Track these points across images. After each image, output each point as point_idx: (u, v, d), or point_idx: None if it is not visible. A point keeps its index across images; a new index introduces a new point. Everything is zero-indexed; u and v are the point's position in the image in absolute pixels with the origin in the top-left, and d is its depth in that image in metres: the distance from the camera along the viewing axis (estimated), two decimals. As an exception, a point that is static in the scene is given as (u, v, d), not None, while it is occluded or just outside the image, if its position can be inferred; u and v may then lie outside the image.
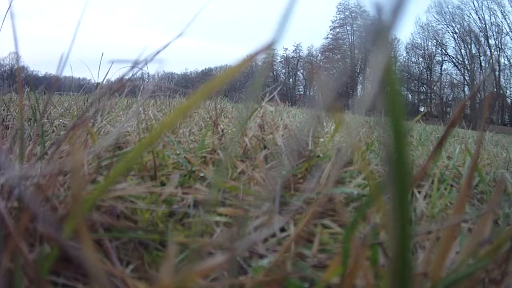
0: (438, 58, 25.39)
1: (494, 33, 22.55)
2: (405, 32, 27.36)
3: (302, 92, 28.49)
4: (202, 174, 0.63)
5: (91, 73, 1.16)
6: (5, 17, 0.52)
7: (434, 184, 0.59)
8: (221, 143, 0.79)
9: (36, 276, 0.28)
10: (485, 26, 22.72)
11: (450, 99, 24.65)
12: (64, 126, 1.03)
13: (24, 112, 1.00)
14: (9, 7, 0.46)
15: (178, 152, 0.70)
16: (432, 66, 25.42)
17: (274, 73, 28.89)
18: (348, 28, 26.57)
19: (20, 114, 0.44)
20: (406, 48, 25.98)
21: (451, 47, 24.56)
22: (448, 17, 24.24)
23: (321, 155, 0.75)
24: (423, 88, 25.98)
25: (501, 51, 22.50)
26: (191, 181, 0.61)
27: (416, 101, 26.13)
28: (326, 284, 0.31)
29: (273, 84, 1.09)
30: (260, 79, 0.22)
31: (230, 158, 0.66)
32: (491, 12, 22.54)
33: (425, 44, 25.69)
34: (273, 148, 0.77)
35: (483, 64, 22.69)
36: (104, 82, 0.89)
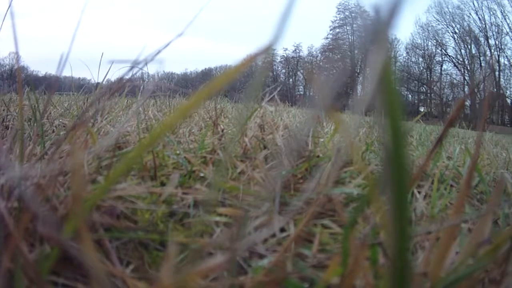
0: (438, 58, 25.40)
1: (494, 33, 22.56)
2: (405, 32, 27.39)
3: (302, 92, 28.48)
4: (202, 174, 0.63)
5: (91, 73, 1.16)
6: (5, 16, 0.52)
7: (434, 184, 0.59)
8: (221, 143, 0.79)
9: (36, 276, 0.28)
10: (485, 26, 22.73)
11: (450, 99, 24.64)
12: (64, 126, 1.03)
13: (24, 112, 1.00)
14: (9, 7, 0.46)
15: (178, 152, 0.70)
16: (432, 66, 25.42)
17: (274, 73, 28.87)
18: (348, 28, 26.58)
19: (20, 114, 0.44)
20: (406, 48, 25.99)
21: (451, 47, 24.57)
22: (448, 17, 24.25)
23: (320, 155, 0.75)
24: (423, 88, 25.98)
25: (501, 51, 22.51)
26: (191, 181, 0.61)
27: (416, 101, 26.13)
28: (326, 284, 0.31)
29: (273, 84, 1.09)
30: (260, 79, 0.22)
31: (230, 158, 0.66)
32: (491, 12, 22.55)
33: (425, 44, 25.70)
34: (273, 148, 0.77)
35: (483, 64, 22.68)
36: (104, 82, 0.89)
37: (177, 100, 1.86)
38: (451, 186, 0.73)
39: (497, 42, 22.53)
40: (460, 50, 24.11)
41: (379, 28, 0.17)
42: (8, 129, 0.96)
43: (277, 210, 0.49)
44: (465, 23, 23.48)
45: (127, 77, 0.50)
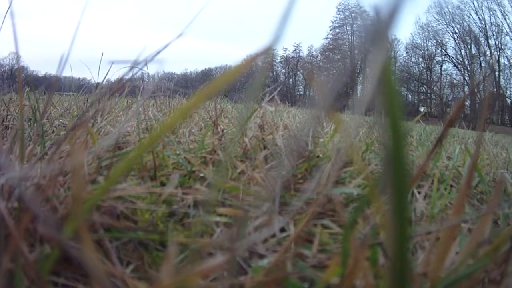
0: (438, 58, 25.40)
1: (494, 33, 22.55)
2: (405, 32, 27.41)
3: (302, 92, 28.48)
4: (202, 175, 0.63)
5: (91, 73, 1.16)
6: (5, 16, 0.52)
7: (434, 184, 0.59)
8: (221, 143, 0.79)
9: (36, 277, 0.28)
10: (485, 26, 22.72)
11: (450, 99, 24.63)
12: (64, 126, 1.03)
13: (24, 112, 1.00)
14: (9, 7, 0.46)
15: (178, 152, 0.70)
16: (432, 66, 25.41)
17: (274, 73, 28.87)
18: (348, 28, 26.57)
19: (20, 114, 0.44)
20: (406, 48, 25.97)
21: (451, 48, 24.57)
22: (448, 17, 24.25)
23: (321, 155, 0.75)
24: (423, 88, 25.98)
25: (501, 51, 22.50)
26: (191, 181, 0.61)
27: (416, 101, 26.13)
28: (326, 284, 0.31)
29: (273, 84, 1.09)
30: (260, 80, 0.22)
31: (230, 158, 0.66)
32: (491, 13, 22.55)
33: (425, 44, 25.69)
34: (273, 148, 0.77)
35: (483, 64, 22.68)
36: (104, 82, 0.89)
37: (177, 100, 1.86)
38: (451, 186, 0.73)
39: (497, 42, 22.52)
40: (460, 50, 24.12)
41: (379, 28, 0.17)
42: (8, 129, 0.96)
43: (277, 210, 0.49)
44: (465, 23, 23.48)
45: (127, 77, 0.50)
